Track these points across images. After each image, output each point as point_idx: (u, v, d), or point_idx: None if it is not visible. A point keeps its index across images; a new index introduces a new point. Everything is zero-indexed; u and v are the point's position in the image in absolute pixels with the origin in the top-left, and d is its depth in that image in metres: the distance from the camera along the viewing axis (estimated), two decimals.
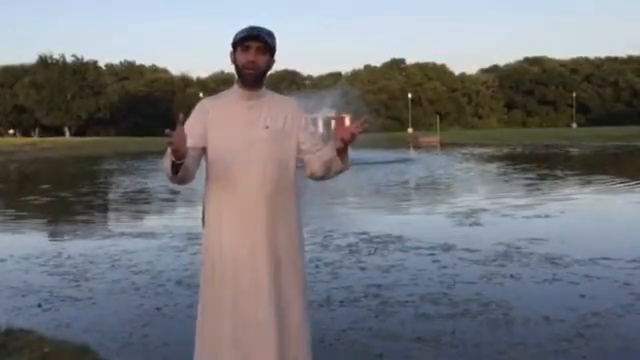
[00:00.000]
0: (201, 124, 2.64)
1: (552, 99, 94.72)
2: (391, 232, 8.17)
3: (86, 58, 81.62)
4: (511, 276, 5.78)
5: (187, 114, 2.68)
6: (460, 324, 4.41)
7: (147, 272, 6.25)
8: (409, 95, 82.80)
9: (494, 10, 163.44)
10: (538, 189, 14.13)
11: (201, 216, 2.73)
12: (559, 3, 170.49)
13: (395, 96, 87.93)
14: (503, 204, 11.22)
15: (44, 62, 79.56)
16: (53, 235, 9.66)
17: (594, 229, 8.71)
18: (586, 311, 4.63)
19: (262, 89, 2.71)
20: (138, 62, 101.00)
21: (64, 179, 22.83)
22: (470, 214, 9.90)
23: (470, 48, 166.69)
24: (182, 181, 2.54)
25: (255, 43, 2.58)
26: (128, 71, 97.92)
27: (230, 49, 2.66)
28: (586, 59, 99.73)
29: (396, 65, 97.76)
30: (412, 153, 33.13)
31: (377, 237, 7.88)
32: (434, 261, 6.48)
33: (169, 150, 2.39)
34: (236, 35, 2.62)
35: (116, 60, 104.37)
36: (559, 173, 18.33)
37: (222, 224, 2.61)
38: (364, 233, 8.18)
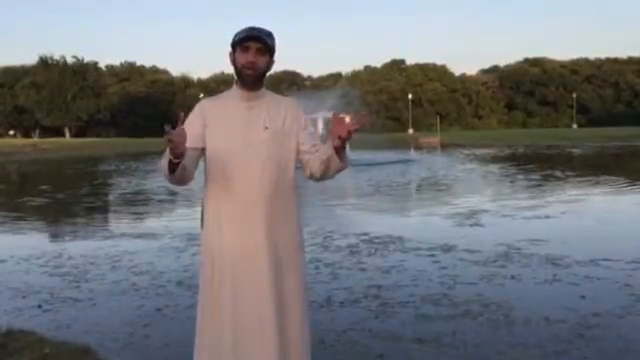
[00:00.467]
0: (200, 124, 2.64)
1: (552, 100, 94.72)
2: (391, 233, 8.17)
3: (86, 59, 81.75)
4: (512, 277, 5.78)
5: (187, 115, 2.69)
6: (461, 325, 4.41)
7: (147, 273, 6.26)
8: (409, 96, 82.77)
9: (494, 11, 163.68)
10: (538, 190, 14.12)
11: (200, 217, 2.73)
12: (559, 3, 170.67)
13: (395, 97, 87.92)
14: (503, 205, 11.22)
15: (44, 63, 79.58)
16: (53, 236, 9.66)
17: (595, 230, 8.70)
18: (587, 312, 4.63)
19: (261, 90, 2.71)
20: (138, 63, 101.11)
21: (64, 180, 22.83)
22: (470, 215, 9.89)
23: (470, 49, 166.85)
24: (180, 181, 2.54)
25: (255, 44, 2.58)
26: (128, 72, 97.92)
27: (229, 50, 2.67)
28: (586, 60, 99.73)
29: (396, 66, 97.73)
30: (413, 154, 33.11)
31: (377, 238, 7.88)
32: (434, 262, 6.48)
33: (168, 149, 2.39)
34: (235, 36, 2.62)
35: (116, 61, 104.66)
36: (559, 174, 18.32)
37: (221, 225, 2.61)
38: (364, 234, 8.18)
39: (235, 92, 2.70)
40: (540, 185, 15.15)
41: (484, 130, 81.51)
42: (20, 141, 60.61)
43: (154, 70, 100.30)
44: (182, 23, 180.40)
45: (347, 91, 66.77)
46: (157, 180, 18.78)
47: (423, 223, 9.74)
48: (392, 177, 18.32)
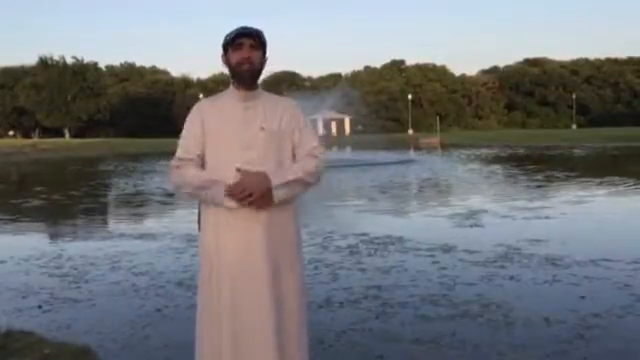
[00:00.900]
0: (200, 127, 2.64)
1: (552, 100, 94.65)
2: (391, 233, 8.17)
3: (86, 59, 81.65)
4: (511, 277, 5.78)
5: (187, 115, 2.70)
6: (460, 325, 4.41)
7: (147, 273, 6.26)
8: (409, 96, 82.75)
9: (494, 11, 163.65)
10: (538, 190, 14.12)
11: (197, 219, 2.73)
12: (559, 4, 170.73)
13: (395, 97, 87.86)
14: (503, 205, 11.22)
15: (44, 63, 79.55)
16: (53, 237, 9.66)
17: (594, 230, 8.71)
18: (586, 312, 4.63)
19: (258, 90, 2.71)
20: (138, 63, 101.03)
21: (63, 181, 22.84)
22: (470, 215, 9.90)
23: (470, 49, 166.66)
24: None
25: (247, 40, 2.59)
26: (128, 72, 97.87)
27: (221, 52, 2.67)
28: (586, 60, 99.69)
29: (396, 66, 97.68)
30: (412, 154, 33.11)
31: (377, 238, 7.88)
32: (434, 262, 6.48)
33: (223, 191, 2.52)
34: (226, 37, 2.63)
35: (116, 61, 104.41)
36: (558, 174, 18.33)
37: (219, 227, 2.61)
38: (364, 234, 8.18)
39: (232, 92, 2.70)
40: (540, 186, 15.15)
41: (484, 130, 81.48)
42: (20, 141, 60.59)
43: (154, 70, 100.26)
44: (182, 23, 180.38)
45: (347, 92, 66.79)
46: (156, 181, 18.79)
47: (423, 223, 9.75)
48: (392, 177, 18.31)
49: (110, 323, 4.65)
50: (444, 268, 6.20)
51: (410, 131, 76.14)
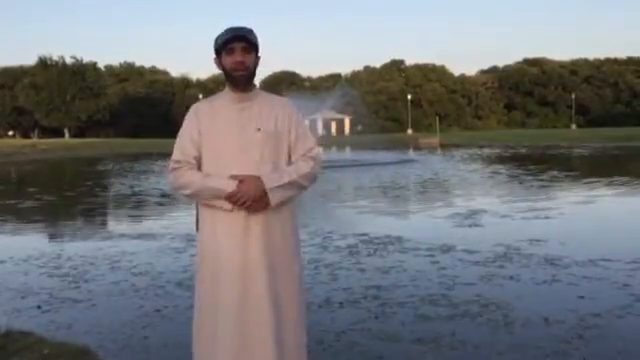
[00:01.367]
0: (197, 129, 2.64)
1: (551, 100, 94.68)
2: (390, 233, 8.17)
3: (86, 59, 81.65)
4: (511, 277, 5.78)
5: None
6: (460, 325, 4.41)
7: (147, 274, 6.26)
8: (408, 96, 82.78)
9: (493, 11, 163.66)
10: (537, 190, 14.12)
11: (195, 220, 2.73)
12: (559, 4, 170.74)
13: (394, 97, 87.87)
14: (502, 205, 11.23)
15: (44, 63, 79.51)
16: (52, 237, 9.65)
17: (594, 230, 8.71)
18: (586, 312, 4.63)
19: (254, 90, 2.71)
20: (138, 63, 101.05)
21: (62, 181, 22.83)
22: (469, 215, 9.90)
23: (469, 49, 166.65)
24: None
25: (239, 44, 2.59)
26: (128, 72, 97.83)
27: (214, 56, 2.67)
28: (586, 60, 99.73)
29: (395, 66, 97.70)
30: (412, 154, 33.11)
31: (377, 238, 7.88)
32: (434, 262, 6.48)
33: (219, 195, 2.55)
34: (217, 40, 2.63)
35: (116, 61, 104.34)
36: (558, 174, 18.33)
37: (216, 228, 2.61)
38: (364, 234, 8.18)
39: (227, 94, 2.70)
40: (539, 186, 15.14)
41: (483, 131, 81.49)
42: (19, 142, 60.56)
43: (153, 70, 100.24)
44: (182, 23, 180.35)
45: (346, 92, 66.73)
46: (155, 181, 18.79)
47: (422, 223, 9.75)
48: (391, 177, 18.32)
49: (110, 323, 4.65)
50: (444, 268, 6.20)
51: (410, 131, 76.14)
